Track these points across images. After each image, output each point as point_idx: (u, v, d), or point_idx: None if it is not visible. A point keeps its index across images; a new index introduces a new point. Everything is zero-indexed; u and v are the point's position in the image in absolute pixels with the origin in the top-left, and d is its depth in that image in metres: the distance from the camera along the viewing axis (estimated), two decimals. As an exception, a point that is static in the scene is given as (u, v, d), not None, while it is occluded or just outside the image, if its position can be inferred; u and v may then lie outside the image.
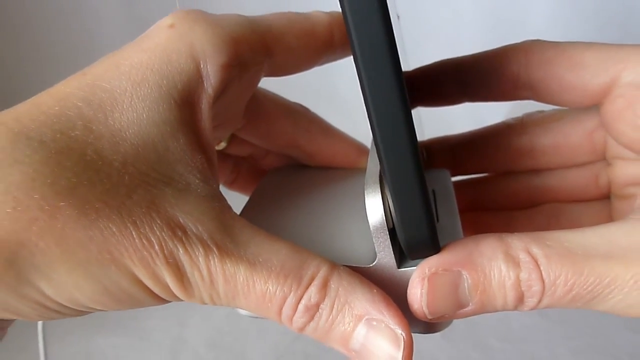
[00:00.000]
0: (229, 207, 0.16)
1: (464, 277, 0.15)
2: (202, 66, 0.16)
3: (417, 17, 0.66)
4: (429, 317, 0.15)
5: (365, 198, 0.15)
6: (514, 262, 0.14)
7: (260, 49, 0.17)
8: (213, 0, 0.71)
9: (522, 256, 0.15)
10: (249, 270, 0.14)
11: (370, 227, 0.15)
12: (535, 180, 0.22)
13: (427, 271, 0.15)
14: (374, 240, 0.15)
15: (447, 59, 0.21)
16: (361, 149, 0.23)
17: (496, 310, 0.15)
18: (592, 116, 0.21)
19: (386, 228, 0.15)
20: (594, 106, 0.19)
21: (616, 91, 0.18)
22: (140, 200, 0.14)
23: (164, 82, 0.15)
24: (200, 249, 0.14)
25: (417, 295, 0.15)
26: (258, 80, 0.19)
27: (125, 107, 0.15)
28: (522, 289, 0.15)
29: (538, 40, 0.20)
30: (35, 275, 0.13)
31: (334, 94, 0.71)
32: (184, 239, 0.14)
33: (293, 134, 0.22)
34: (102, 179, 0.14)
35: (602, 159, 0.21)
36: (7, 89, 0.73)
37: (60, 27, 0.70)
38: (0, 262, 0.13)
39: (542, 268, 0.14)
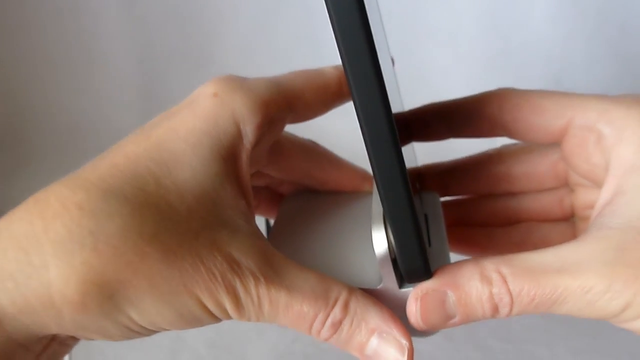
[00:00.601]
0: (269, 243, 0.20)
1: (449, 295, 0.19)
2: (241, 127, 0.20)
3: (417, 17, 0.66)
4: (424, 328, 0.19)
5: (372, 235, 0.19)
6: (488, 281, 0.19)
7: (285, 108, 0.22)
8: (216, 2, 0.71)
9: (494, 275, 0.19)
10: (288, 295, 0.18)
11: (377, 258, 0.19)
12: (511, 202, 0.27)
13: (420, 293, 0.19)
14: (380, 268, 0.19)
15: (435, 103, 0.25)
16: (364, 176, 0.27)
17: (478, 320, 0.19)
18: (555, 150, 0.25)
19: (389, 259, 0.19)
20: (556, 142, 0.24)
21: (571, 132, 0.23)
22: (204, 241, 0.18)
23: (214, 142, 0.19)
24: (252, 280, 0.18)
25: (413, 311, 0.19)
26: (282, 130, 0.23)
27: (185, 165, 0.18)
28: (495, 301, 0.19)
29: (509, 89, 0.24)
30: (128, 305, 0.17)
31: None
32: (239, 272, 0.18)
33: (307, 168, 0.26)
34: (175, 227, 0.18)
35: (566, 185, 0.26)
36: (7, 89, 0.73)
37: (60, 27, 0.70)
38: (104, 297, 0.16)
39: (509, 284, 0.18)
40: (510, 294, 0.18)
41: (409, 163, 0.21)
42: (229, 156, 0.19)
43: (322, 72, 0.23)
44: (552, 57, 0.64)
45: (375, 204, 0.19)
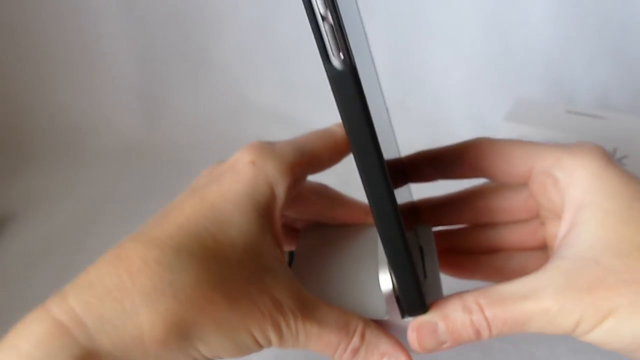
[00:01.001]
0: (300, 284, 0.24)
1: (440, 325, 0.24)
2: (275, 189, 0.24)
3: (417, 17, 0.66)
4: (422, 352, 0.24)
5: (379, 278, 0.24)
6: (468, 310, 0.23)
7: (306, 167, 0.26)
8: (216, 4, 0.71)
9: (473, 306, 0.23)
10: (319, 328, 0.23)
11: (384, 296, 0.24)
12: (493, 232, 0.31)
13: (416, 325, 0.24)
14: (386, 303, 0.24)
15: (425, 151, 0.30)
16: (367, 211, 0.31)
17: (465, 343, 0.24)
18: (526, 189, 0.29)
19: (394, 297, 0.24)
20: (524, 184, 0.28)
21: (534, 176, 0.27)
22: (256, 286, 0.22)
23: (254, 203, 0.23)
24: (291, 317, 0.22)
25: (412, 339, 0.24)
26: (303, 184, 0.28)
27: (234, 223, 0.23)
28: (476, 326, 0.23)
29: (485, 139, 0.29)
30: (199, 341, 0.21)
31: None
32: (282, 311, 0.22)
33: (320, 209, 0.31)
34: (233, 276, 0.22)
35: (538, 218, 0.30)
36: (7, 89, 0.73)
37: (60, 27, 0.70)
38: (182, 336, 0.21)
39: (485, 312, 0.23)
40: (487, 320, 0.23)
41: (405, 199, 0.26)
42: (265, 213, 0.24)
43: (332, 132, 0.28)
44: (552, 57, 0.64)
45: (381, 249, 0.24)
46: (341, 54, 0.19)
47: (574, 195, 0.24)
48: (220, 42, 0.71)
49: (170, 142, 0.70)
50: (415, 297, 0.24)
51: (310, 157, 0.26)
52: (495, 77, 0.66)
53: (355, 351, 0.24)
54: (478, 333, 0.23)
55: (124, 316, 0.20)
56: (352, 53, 0.18)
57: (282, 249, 0.25)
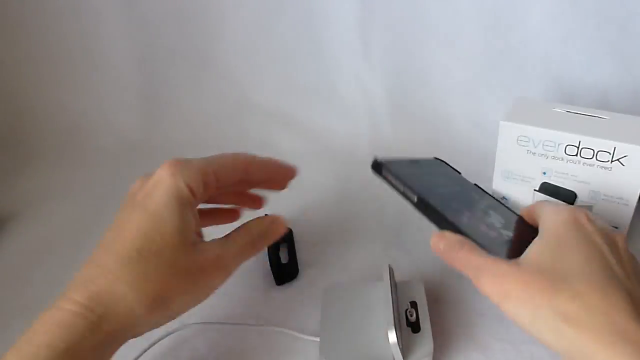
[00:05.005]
0: (207, 246, 0.36)
1: (441, 243, 0.34)
2: (193, 188, 0.34)
3: (417, 17, 0.66)
4: (434, 247, 0.35)
5: (389, 338, 0.34)
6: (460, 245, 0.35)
7: (212, 174, 0.36)
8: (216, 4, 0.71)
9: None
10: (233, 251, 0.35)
11: (392, 350, 0.34)
12: None
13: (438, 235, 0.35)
14: (393, 352, 0.34)
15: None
16: (290, 172, 0.42)
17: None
18: None
19: (400, 352, 0.34)
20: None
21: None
22: (190, 257, 0.33)
23: (179, 202, 0.33)
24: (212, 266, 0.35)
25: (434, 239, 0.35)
26: (214, 187, 0.36)
27: (168, 221, 0.32)
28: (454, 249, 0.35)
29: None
30: (171, 305, 0.33)
31: (334, 94, 0.71)
32: (204, 266, 0.35)
33: (236, 183, 0.38)
34: (175, 258, 0.32)
35: None
36: (8, 89, 0.73)
37: (60, 27, 0.70)
38: (160, 304, 0.31)
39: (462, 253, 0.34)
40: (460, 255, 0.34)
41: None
42: (187, 205, 0.33)
43: (237, 154, 0.38)
44: (552, 57, 0.64)
45: (388, 313, 0.35)
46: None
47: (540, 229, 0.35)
48: (221, 42, 0.71)
49: (171, 142, 0.70)
50: None
51: (217, 165, 0.36)
52: (495, 77, 0.66)
53: None
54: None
55: (117, 300, 0.30)
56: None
57: (199, 227, 0.37)
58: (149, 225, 0.31)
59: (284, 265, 0.46)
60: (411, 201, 0.41)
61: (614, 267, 0.31)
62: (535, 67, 0.65)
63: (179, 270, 0.32)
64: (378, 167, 0.44)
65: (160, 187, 0.33)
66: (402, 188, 0.43)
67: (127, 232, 0.31)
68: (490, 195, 0.48)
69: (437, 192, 0.40)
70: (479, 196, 0.47)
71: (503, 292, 0.31)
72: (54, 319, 0.29)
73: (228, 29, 0.70)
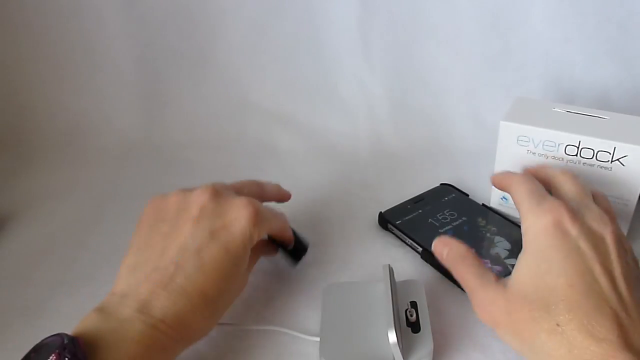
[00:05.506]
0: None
1: (444, 250, 0.37)
2: (252, 239, 0.38)
3: (417, 17, 0.66)
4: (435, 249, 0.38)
5: (389, 338, 0.34)
6: (463, 257, 0.37)
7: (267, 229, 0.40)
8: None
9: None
10: None
11: (392, 350, 0.34)
12: None
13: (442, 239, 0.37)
14: (393, 352, 0.34)
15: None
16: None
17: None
18: None
19: (400, 352, 0.34)
20: None
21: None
22: (238, 286, 0.39)
23: (248, 246, 0.38)
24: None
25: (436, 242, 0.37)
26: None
27: (242, 259, 0.38)
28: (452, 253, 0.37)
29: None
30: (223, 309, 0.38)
31: (334, 93, 0.71)
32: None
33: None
34: (235, 288, 0.39)
35: None
36: (8, 89, 0.73)
37: (60, 27, 0.70)
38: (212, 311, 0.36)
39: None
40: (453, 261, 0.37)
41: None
42: (249, 248, 0.37)
43: (286, 221, 0.43)
44: (552, 57, 0.64)
45: (388, 313, 0.35)
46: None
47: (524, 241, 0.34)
48: (221, 42, 0.71)
49: (171, 141, 0.70)
50: None
51: (278, 229, 0.41)
52: (495, 77, 0.66)
53: None
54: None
55: (195, 332, 0.35)
56: None
57: (250, 266, 0.41)
58: (229, 269, 0.35)
59: (293, 247, 0.45)
60: (417, 252, 0.47)
61: (599, 279, 0.30)
62: (535, 67, 0.65)
63: (235, 296, 0.38)
64: (384, 223, 0.51)
65: (239, 229, 0.36)
66: (408, 241, 0.48)
67: (212, 272, 0.35)
68: (497, 213, 0.49)
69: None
70: (486, 221, 0.48)
71: (493, 321, 0.33)
72: (152, 340, 0.32)
73: (228, 29, 0.70)
